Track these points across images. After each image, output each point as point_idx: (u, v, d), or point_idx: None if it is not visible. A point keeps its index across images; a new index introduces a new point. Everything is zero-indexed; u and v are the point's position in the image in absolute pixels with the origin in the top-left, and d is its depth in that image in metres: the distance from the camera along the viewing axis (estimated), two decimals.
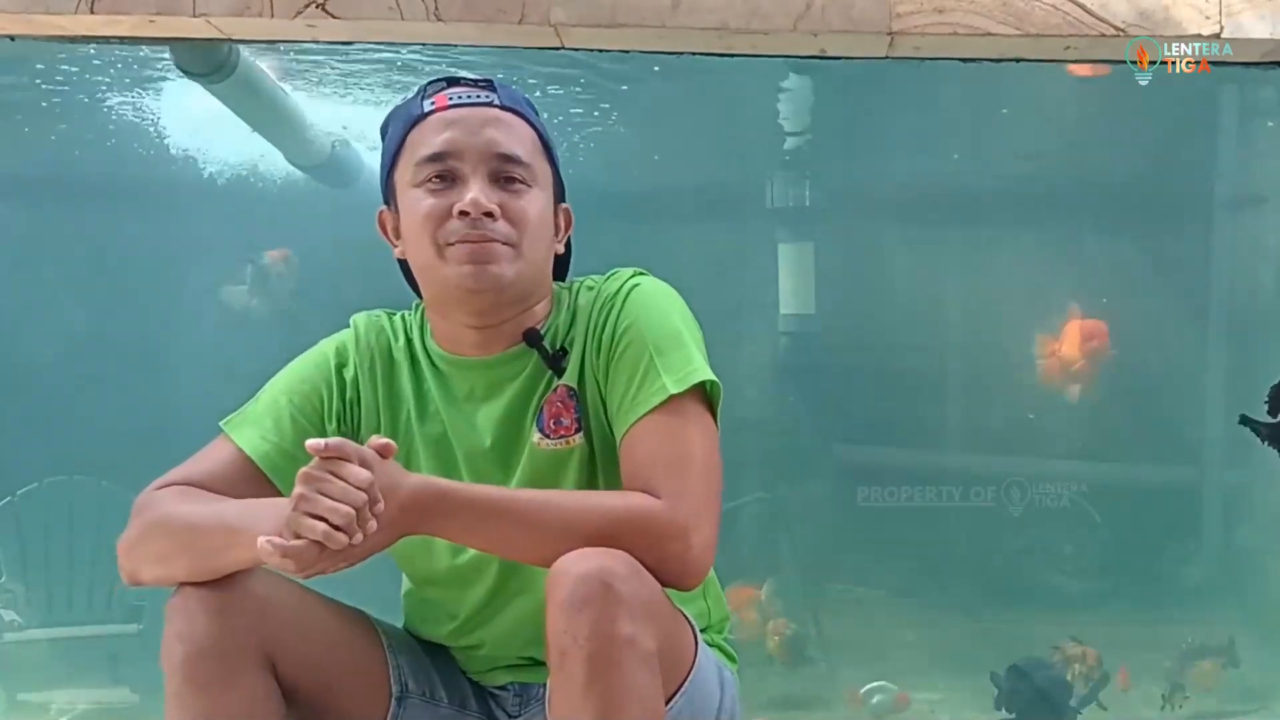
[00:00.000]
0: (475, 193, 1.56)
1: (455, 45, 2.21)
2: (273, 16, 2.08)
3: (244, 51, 4.02)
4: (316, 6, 2.07)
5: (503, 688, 1.72)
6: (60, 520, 5.02)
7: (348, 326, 1.74)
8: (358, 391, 1.69)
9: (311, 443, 1.39)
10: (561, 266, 1.73)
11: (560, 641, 1.38)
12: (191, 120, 6.29)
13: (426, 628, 1.74)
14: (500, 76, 1.69)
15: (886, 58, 2.19)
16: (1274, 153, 6.07)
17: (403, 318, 1.75)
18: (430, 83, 1.65)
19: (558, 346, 1.65)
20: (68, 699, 4.86)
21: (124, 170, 6.58)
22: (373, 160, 6.62)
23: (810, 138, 6.21)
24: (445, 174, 1.59)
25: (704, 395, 1.59)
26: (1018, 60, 2.20)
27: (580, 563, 1.40)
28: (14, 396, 6.05)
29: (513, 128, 1.62)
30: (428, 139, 1.60)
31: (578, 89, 5.59)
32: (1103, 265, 6.44)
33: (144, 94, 5.96)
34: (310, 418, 1.66)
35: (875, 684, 4.64)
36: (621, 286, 1.66)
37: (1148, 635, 5.04)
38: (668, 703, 1.47)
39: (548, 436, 1.62)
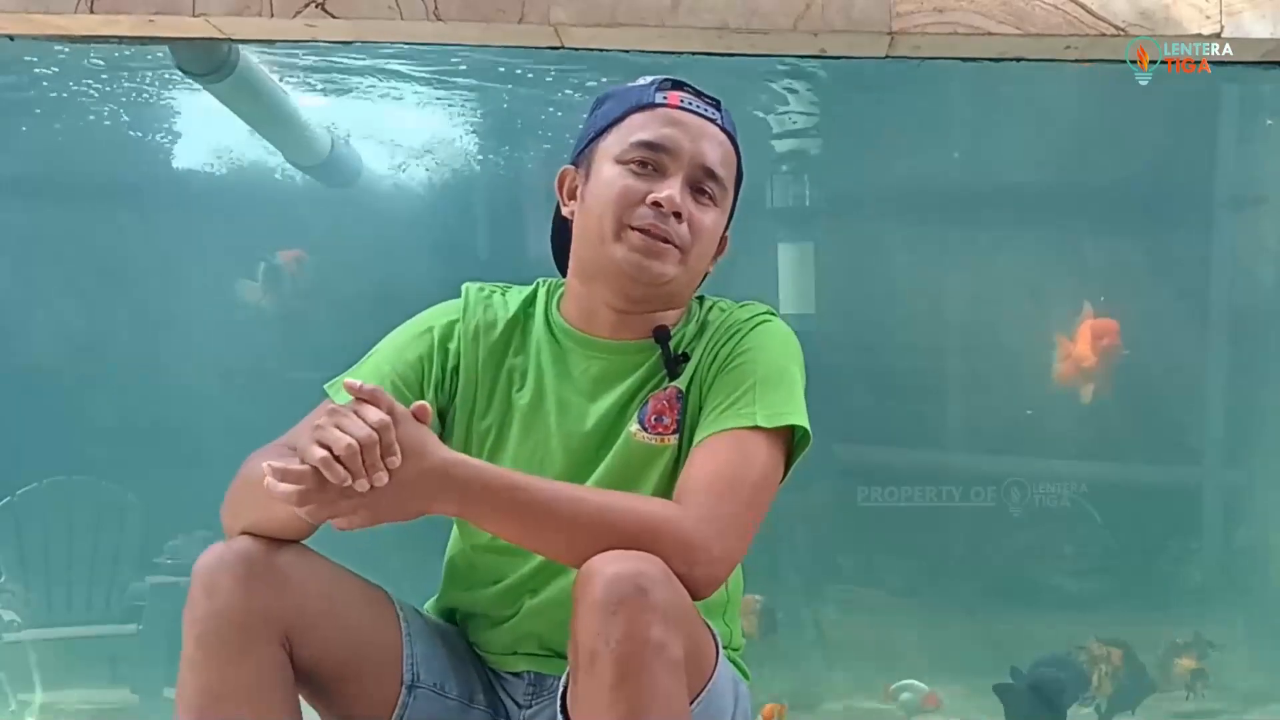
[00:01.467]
0: (673, 190, 1.63)
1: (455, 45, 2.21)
2: (272, 16, 2.08)
3: (244, 51, 4.02)
4: (316, 6, 2.07)
5: (517, 675, 1.73)
6: (60, 520, 5.02)
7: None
8: (459, 360, 1.73)
9: (349, 382, 1.44)
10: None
11: (592, 644, 1.38)
12: (193, 120, 6.30)
13: (469, 593, 1.75)
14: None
15: (886, 57, 2.20)
16: (1274, 153, 6.07)
17: (520, 292, 1.79)
18: (663, 79, 1.72)
19: (680, 351, 1.70)
20: (68, 699, 4.86)
21: (124, 170, 6.58)
22: (372, 160, 6.66)
23: (810, 138, 6.21)
24: (651, 162, 1.65)
25: (788, 440, 1.63)
26: (1018, 60, 2.21)
27: (613, 564, 1.40)
28: (14, 396, 6.05)
29: (724, 149, 1.70)
30: (650, 126, 1.66)
31: (571, 90, 5.59)
32: (1102, 265, 6.44)
33: (144, 94, 5.97)
34: (411, 386, 1.69)
35: (906, 681, 4.64)
36: (753, 317, 1.73)
37: (1148, 635, 5.04)
38: None
39: (645, 430, 1.66)
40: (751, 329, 1.70)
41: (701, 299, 1.79)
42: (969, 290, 6.62)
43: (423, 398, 1.67)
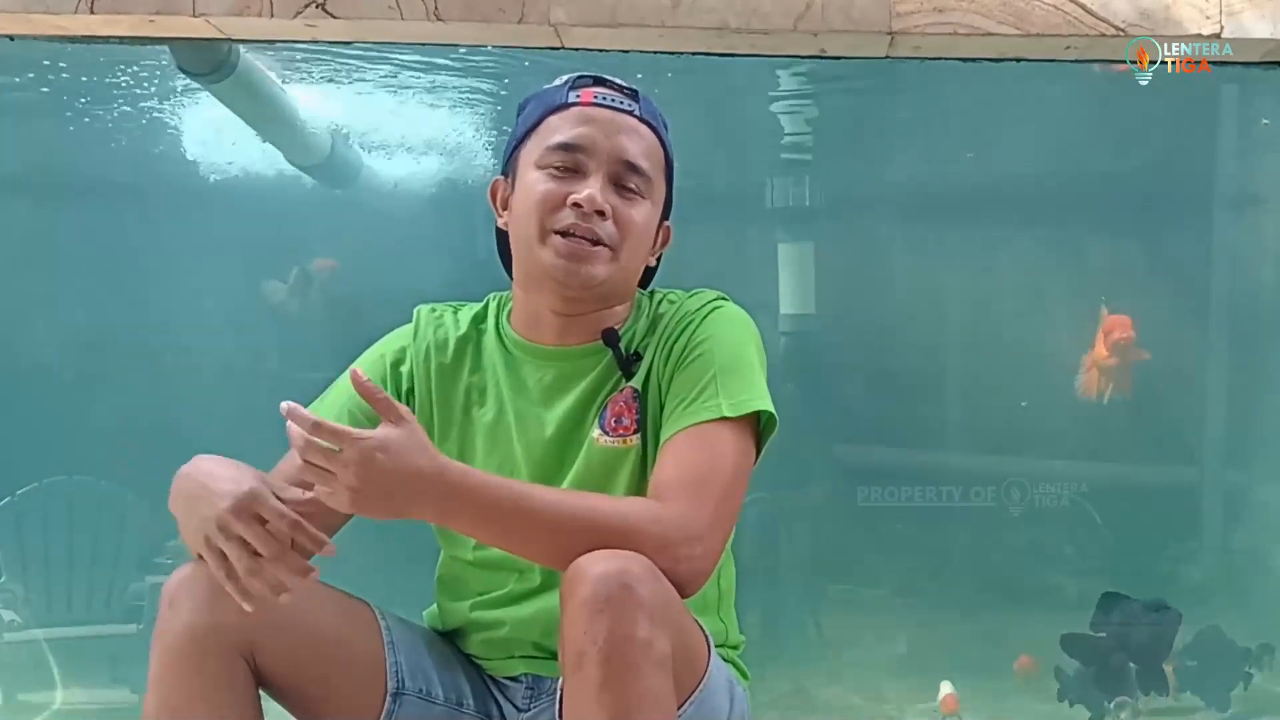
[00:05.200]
0: (593, 189, 1.62)
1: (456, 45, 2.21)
2: (272, 16, 2.08)
3: (244, 51, 4.02)
4: (316, 6, 2.07)
5: (515, 679, 1.73)
6: (60, 520, 5.02)
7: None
8: (413, 383, 1.74)
9: (362, 381, 1.49)
10: (647, 276, 1.79)
11: (579, 644, 1.38)
12: (194, 119, 6.30)
13: (460, 604, 1.76)
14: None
15: (886, 58, 2.20)
16: (1274, 153, 6.07)
17: (471, 309, 1.79)
18: (579, 76, 1.70)
19: (632, 350, 1.69)
20: (68, 699, 4.86)
21: (125, 170, 6.58)
22: (372, 160, 6.67)
23: (810, 138, 6.21)
24: (570, 164, 1.64)
25: (755, 425, 1.62)
26: (1018, 60, 2.21)
27: (599, 564, 1.40)
28: (14, 396, 6.06)
29: (644, 140, 1.68)
30: (564, 128, 1.65)
31: None
32: (1102, 265, 6.45)
33: (146, 94, 5.97)
34: (370, 415, 1.68)
35: (946, 681, 4.64)
36: (704, 305, 1.71)
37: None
38: (679, 708, 1.47)
39: (607, 434, 1.66)
40: (704, 318, 1.69)
41: (652, 293, 1.78)
42: (969, 290, 6.63)
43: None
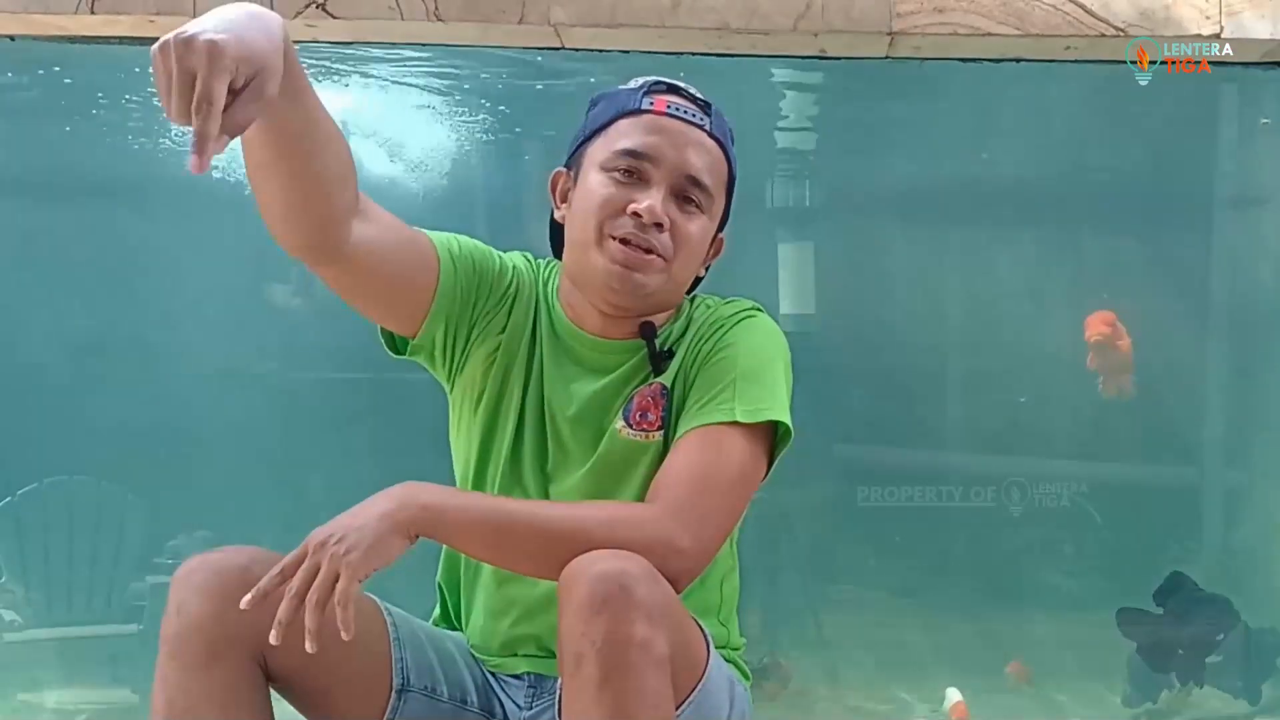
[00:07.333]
0: (654, 200, 1.63)
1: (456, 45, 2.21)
2: None
3: None
4: (316, 6, 2.07)
5: (517, 677, 1.73)
6: (60, 520, 5.02)
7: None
8: (510, 314, 1.73)
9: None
10: (694, 284, 1.80)
11: (577, 645, 1.38)
12: None
13: (464, 601, 1.78)
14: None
15: (886, 58, 2.20)
16: (1274, 153, 6.07)
17: (541, 269, 1.81)
18: (655, 83, 1.71)
19: (666, 348, 1.71)
20: (68, 699, 4.86)
21: (126, 170, 6.57)
22: (372, 160, 6.66)
23: (810, 138, 6.21)
24: (634, 170, 1.65)
25: (769, 436, 1.64)
26: (1018, 60, 2.21)
27: (596, 564, 1.41)
28: (14, 396, 6.05)
29: (711, 156, 1.70)
30: (634, 134, 1.66)
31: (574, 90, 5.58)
32: (1102, 265, 6.44)
33: (146, 93, 5.97)
34: (482, 279, 1.71)
35: (951, 689, 4.64)
36: (737, 313, 1.74)
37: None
38: (677, 708, 1.47)
39: (630, 426, 1.67)
40: (735, 324, 1.71)
41: (694, 298, 1.79)
42: (969, 290, 6.62)
43: (476, 298, 1.70)
